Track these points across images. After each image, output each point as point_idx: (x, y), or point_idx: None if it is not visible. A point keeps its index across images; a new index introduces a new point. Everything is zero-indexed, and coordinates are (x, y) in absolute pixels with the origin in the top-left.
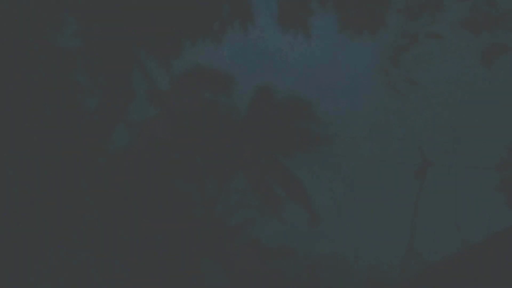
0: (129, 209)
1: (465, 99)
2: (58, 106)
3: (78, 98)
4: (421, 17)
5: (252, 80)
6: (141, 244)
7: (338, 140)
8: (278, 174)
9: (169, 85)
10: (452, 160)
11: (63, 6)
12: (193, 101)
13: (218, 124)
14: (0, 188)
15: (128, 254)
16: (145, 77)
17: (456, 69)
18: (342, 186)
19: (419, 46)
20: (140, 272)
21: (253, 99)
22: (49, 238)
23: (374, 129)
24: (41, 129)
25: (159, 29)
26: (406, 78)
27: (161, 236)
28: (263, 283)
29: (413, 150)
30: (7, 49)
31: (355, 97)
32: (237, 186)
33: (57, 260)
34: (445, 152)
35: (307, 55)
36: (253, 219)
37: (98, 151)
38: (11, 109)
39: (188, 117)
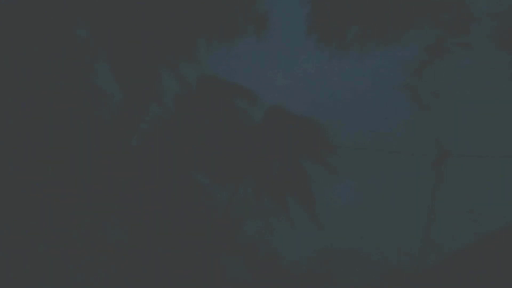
0: (149, 206)
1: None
2: (80, 105)
3: (100, 99)
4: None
5: (267, 91)
6: (162, 239)
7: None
8: (289, 179)
9: (188, 90)
10: (469, 150)
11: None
12: (211, 106)
13: (234, 130)
14: (14, 186)
15: (152, 247)
16: (167, 80)
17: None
18: (359, 180)
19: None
20: (165, 263)
21: (267, 111)
22: (64, 237)
23: (392, 121)
24: (61, 127)
25: (180, 35)
26: (431, 91)
27: (182, 232)
28: (279, 275)
29: (430, 141)
30: (32, 54)
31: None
32: (248, 190)
33: (74, 260)
34: (462, 142)
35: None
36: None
37: (119, 150)
38: (33, 109)
39: (206, 121)
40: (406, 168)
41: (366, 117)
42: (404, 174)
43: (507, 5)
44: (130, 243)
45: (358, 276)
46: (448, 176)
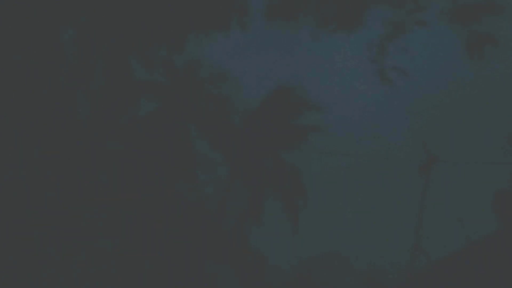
0: (135, 213)
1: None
2: (56, 106)
3: (75, 101)
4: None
5: (249, 75)
6: (148, 246)
7: (338, 137)
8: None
9: (169, 80)
10: (457, 156)
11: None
12: (192, 97)
13: (216, 121)
14: (2, 188)
15: (138, 257)
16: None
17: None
18: (345, 184)
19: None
20: (149, 273)
21: (251, 95)
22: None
23: (376, 125)
24: (41, 129)
25: (161, 23)
26: (394, 67)
27: (168, 238)
28: (268, 283)
29: (417, 146)
30: (11, 51)
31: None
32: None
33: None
34: (449, 148)
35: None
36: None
37: (98, 150)
38: (13, 110)
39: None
40: (395, 174)
41: (353, 120)
42: (393, 180)
43: None
44: (121, 252)
45: (347, 284)
46: (436, 182)
